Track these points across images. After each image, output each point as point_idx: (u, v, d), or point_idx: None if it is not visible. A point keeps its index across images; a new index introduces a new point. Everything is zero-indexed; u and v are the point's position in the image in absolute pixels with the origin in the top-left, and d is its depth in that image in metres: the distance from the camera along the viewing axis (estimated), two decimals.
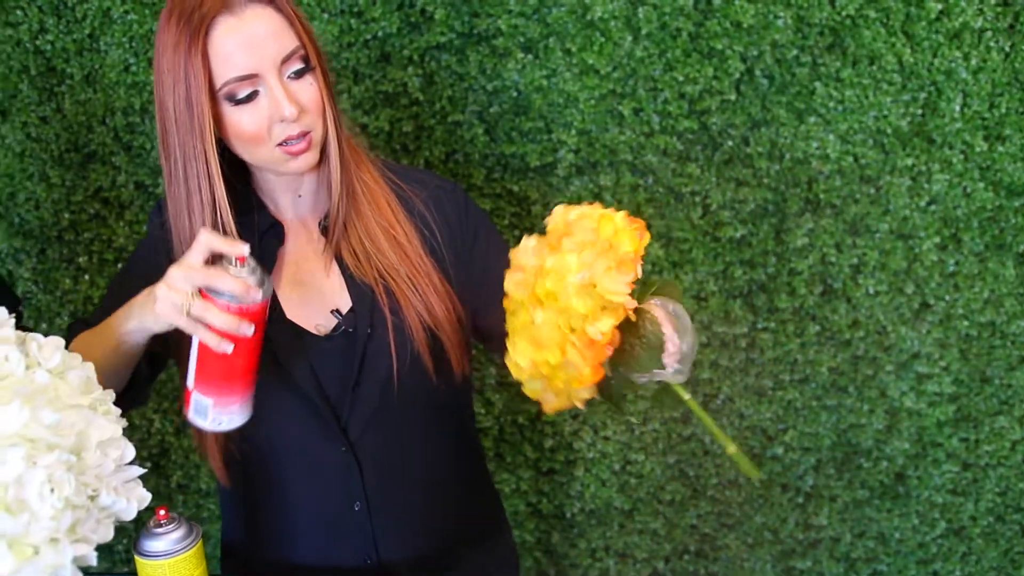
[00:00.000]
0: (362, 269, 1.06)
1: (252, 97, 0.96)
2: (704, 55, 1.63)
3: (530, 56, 1.63)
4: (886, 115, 1.67)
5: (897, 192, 1.68)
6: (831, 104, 1.67)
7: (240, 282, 0.87)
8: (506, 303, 0.86)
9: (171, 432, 1.81)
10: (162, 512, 0.88)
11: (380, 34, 1.62)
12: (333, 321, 1.07)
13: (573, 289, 0.79)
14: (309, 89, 0.99)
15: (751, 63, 1.63)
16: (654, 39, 1.61)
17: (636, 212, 1.70)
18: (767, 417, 1.81)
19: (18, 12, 1.59)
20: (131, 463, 0.71)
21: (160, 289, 0.89)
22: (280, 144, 0.98)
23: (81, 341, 1.02)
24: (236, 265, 0.88)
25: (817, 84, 1.65)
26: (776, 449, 1.83)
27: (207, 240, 0.89)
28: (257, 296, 0.88)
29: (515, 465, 1.84)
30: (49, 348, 0.69)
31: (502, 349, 1.15)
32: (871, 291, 1.74)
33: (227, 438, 1.06)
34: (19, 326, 1.12)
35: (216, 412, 0.93)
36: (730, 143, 1.68)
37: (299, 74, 0.98)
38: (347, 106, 1.65)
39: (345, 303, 1.07)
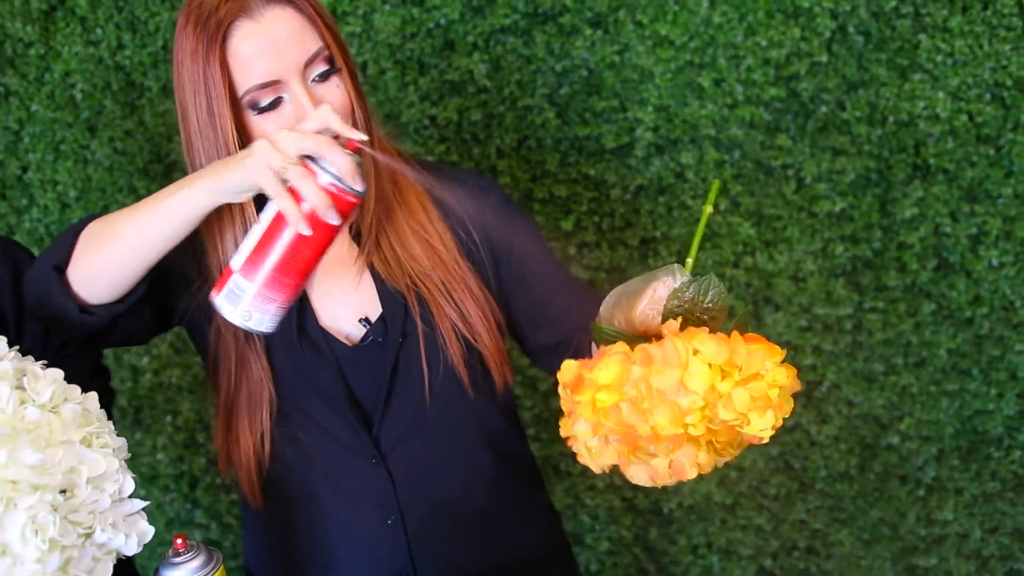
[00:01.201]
0: (393, 275, 1.01)
1: (276, 104, 0.92)
2: (789, 15, 1.49)
3: (599, 32, 1.54)
4: (1005, 65, 1.48)
5: (1021, 152, 1.50)
6: (939, 58, 1.49)
7: (350, 161, 0.82)
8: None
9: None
10: (179, 541, 0.87)
11: (443, 21, 1.57)
12: (362, 330, 1.03)
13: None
14: (336, 92, 0.94)
15: (843, 19, 1.48)
16: (732, 2, 1.49)
17: (723, 189, 1.59)
18: (879, 404, 1.66)
19: (98, 31, 1.64)
20: (131, 496, 0.69)
21: (261, 144, 0.82)
22: None
23: (101, 223, 0.91)
24: (348, 152, 0.83)
25: (922, 37, 1.48)
26: (891, 438, 1.68)
27: (327, 115, 0.83)
28: (358, 186, 0.83)
29: None
30: (43, 382, 0.68)
31: (544, 361, 1.08)
32: (994, 263, 1.56)
33: (259, 455, 1.05)
34: (83, 340, 1.15)
35: (251, 304, 0.85)
36: (823, 109, 1.54)
37: (324, 76, 0.93)
38: (415, 98, 1.61)
39: (375, 311, 1.03)
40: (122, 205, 1.72)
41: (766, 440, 0.73)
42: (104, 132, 1.69)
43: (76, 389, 0.72)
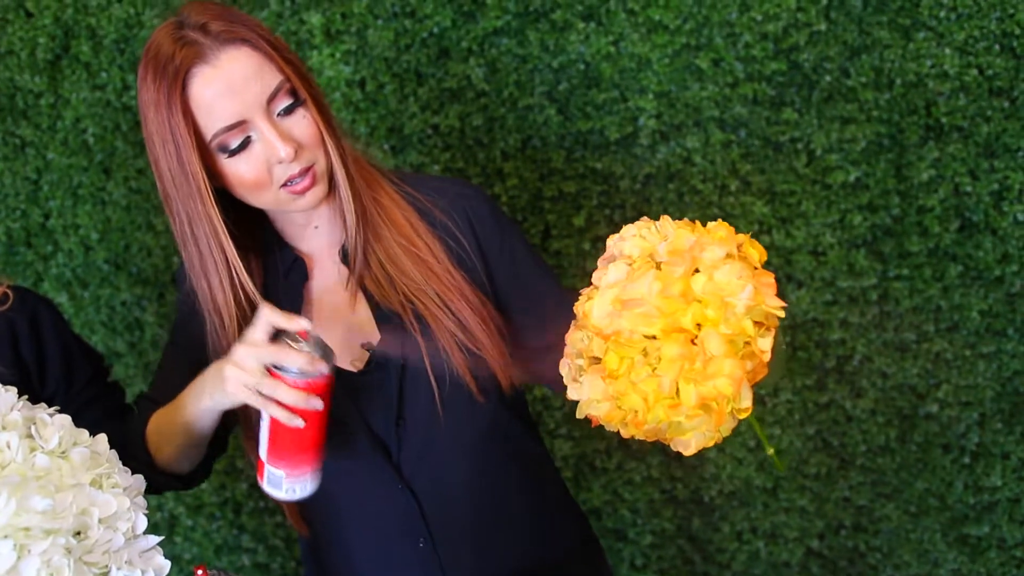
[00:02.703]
0: (387, 295, 1.00)
1: (245, 144, 0.92)
2: None
3: (592, 24, 1.53)
4: (1012, 14, 1.44)
5: None
6: (942, 14, 1.46)
7: (305, 357, 0.87)
8: (613, 345, 0.74)
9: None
10: (200, 572, 0.88)
11: (436, 30, 1.57)
12: (366, 355, 1.03)
13: (743, 310, 0.71)
14: (303, 123, 0.94)
15: None
16: None
17: (732, 170, 1.57)
18: (914, 373, 1.63)
19: (103, 75, 1.67)
20: (146, 532, 0.71)
21: (228, 369, 0.88)
22: (284, 185, 0.94)
23: (155, 424, 1.03)
24: (299, 340, 0.88)
25: None
26: (930, 407, 1.64)
27: (268, 316, 0.88)
28: (323, 368, 0.88)
29: (642, 452, 1.76)
30: (51, 429, 0.70)
31: (537, 363, 1.07)
32: (1019, 218, 1.52)
33: (300, 501, 1.05)
34: (107, 381, 1.18)
35: (290, 482, 0.94)
36: (827, 79, 1.51)
37: (289, 110, 0.93)
38: (415, 109, 1.61)
39: (375, 334, 1.03)
40: (142, 243, 1.76)
41: (766, 351, 0.73)
42: (118, 173, 1.72)
43: (84, 433, 0.73)
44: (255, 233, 1.04)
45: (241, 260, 0.97)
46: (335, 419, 1.00)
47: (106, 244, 1.76)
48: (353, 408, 1.02)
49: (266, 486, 0.96)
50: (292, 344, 0.88)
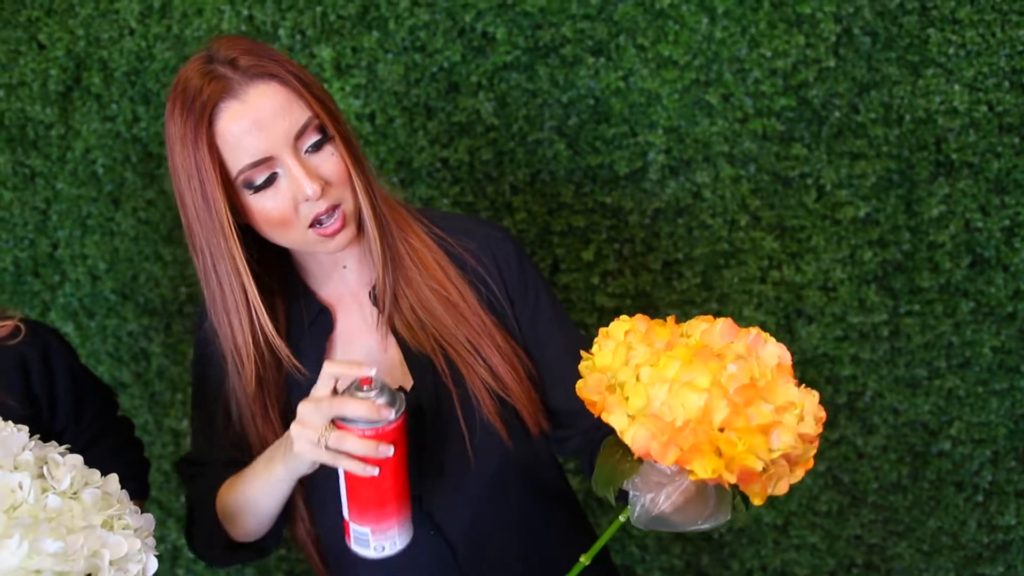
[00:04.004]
0: (418, 339, 0.99)
1: (272, 181, 0.91)
2: (792, 23, 1.48)
3: (602, 59, 1.54)
4: (1021, 50, 1.45)
5: None
6: (951, 50, 1.47)
7: (370, 405, 0.85)
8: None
9: None
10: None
11: (446, 64, 1.58)
12: None
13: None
14: (331, 160, 0.92)
15: (847, 22, 1.47)
16: (733, 16, 1.48)
17: (742, 205, 1.57)
18: (926, 410, 1.61)
19: (113, 106, 1.67)
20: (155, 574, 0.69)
21: (294, 428, 0.86)
22: (312, 225, 0.92)
23: (226, 500, 0.99)
24: (363, 388, 0.86)
25: (930, 31, 1.46)
26: (942, 444, 1.63)
27: (330, 369, 0.86)
28: (390, 415, 0.86)
29: None
30: (62, 469, 0.69)
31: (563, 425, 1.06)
32: None
33: (319, 540, 1.03)
34: (115, 414, 1.17)
35: (377, 539, 0.91)
36: (837, 114, 1.51)
37: (317, 146, 0.91)
38: (424, 142, 1.62)
39: (404, 378, 1.01)
40: (150, 273, 1.75)
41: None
42: (127, 203, 1.73)
43: (96, 473, 0.72)
44: (281, 275, 1.02)
45: (265, 302, 0.96)
46: None
47: (113, 274, 1.75)
48: None
49: (354, 546, 0.93)
50: (357, 393, 0.86)
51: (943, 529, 1.67)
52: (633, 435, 0.71)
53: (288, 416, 1.01)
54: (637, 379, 0.71)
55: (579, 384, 0.78)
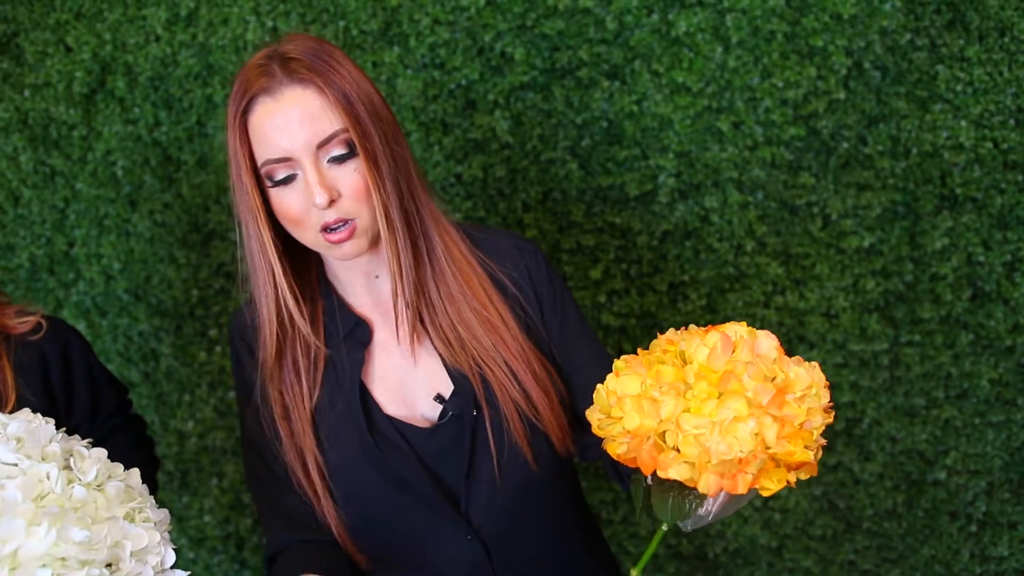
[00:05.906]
0: (457, 356, 1.01)
1: (291, 179, 0.94)
2: (804, 55, 1.51)
3: (616, 83, 1.57)
4: None
5: None
6: (958, 87, 1.50)
7: None
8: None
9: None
10: None
11: (464, 82, 1.61)
12: (436, 408, 1.02)
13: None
14: (351, 176, 0.93)
15: (858, 56, 1.50)
16: (746, 46, 1.51)
17: (748, 230, 1.60)
18: (923, 439, 1.64)
19: (135, 110, 1.71)
20: (174, 566, 0.72)
21: None
22: (322, 230, 0.95)
23: None
24: None
25: (939, 68, 1.49)
26: (938, 474, 1.65)
27: None
28: None
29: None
30: (88, 462, 0.71)
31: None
32: None
33: (355, 540, 1.04)
34: (129, 412, 1.19)
35: None
36: (845, 145, 1.54)
37: (341, 159, 0.93)
38: (440, 157, 1.65)
39: (445, 386, 1.03)
40: (163, 275, 1.78)
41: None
42: (144, 206, 1.76)
43: (119, 467, 0.75)
44: (317, 283, 1.05)
45: (303, 296, 1.00)
46: (401, 476, 0.99)
47: (127, 275, 1.78)
48: (421, 466, 1.01)
49: None
50: None
51: (936, 558, 1.69)
52: (706, 484, 0.73)
53: (320, 412, 1.02)
54: (678, 426, 0.73)
55: (609, 448, 0.78)
